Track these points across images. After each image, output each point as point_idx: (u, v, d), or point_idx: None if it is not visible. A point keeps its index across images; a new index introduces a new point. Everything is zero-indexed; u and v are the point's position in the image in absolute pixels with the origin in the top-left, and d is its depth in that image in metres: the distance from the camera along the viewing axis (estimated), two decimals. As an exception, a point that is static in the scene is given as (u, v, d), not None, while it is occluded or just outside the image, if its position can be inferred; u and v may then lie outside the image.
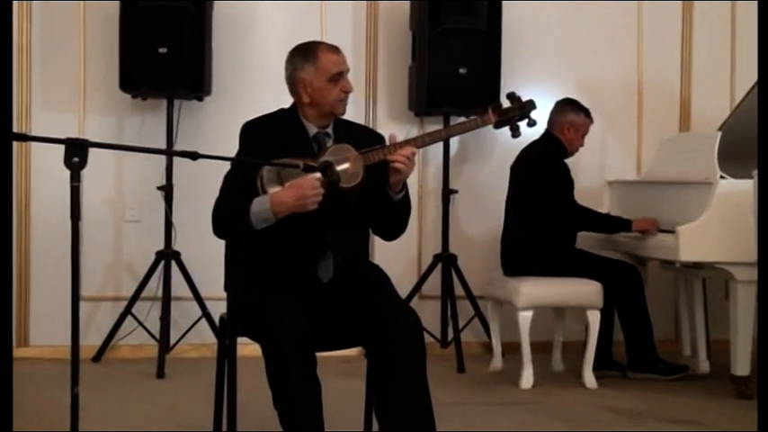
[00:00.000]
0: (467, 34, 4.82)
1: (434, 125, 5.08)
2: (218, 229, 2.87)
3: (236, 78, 5.02)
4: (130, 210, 4.95)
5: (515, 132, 3.03)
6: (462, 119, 4.94)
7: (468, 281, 4.91)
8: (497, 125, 3.01)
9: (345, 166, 2.77)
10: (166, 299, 4.65)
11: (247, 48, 5.05)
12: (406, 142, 2.86)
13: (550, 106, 4.67)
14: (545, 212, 4.42)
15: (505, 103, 3.04)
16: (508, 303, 4.40)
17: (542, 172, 4.44)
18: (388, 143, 2.86)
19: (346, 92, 2.92)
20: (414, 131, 5.08)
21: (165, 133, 4.74)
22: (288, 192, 2.72)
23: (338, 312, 2.78)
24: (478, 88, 4.79)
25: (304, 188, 2.70)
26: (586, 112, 4.60)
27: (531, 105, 3.03)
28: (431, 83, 4.80)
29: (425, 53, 4.81)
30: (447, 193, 5.00)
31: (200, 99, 4.82)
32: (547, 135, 4.60)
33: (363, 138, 2.94)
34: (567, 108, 4.59)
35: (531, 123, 3.05)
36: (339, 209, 2.82)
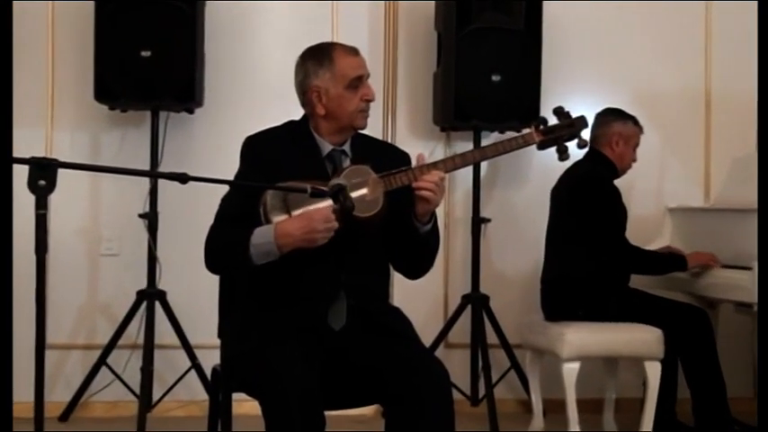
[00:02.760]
0: (501, 35, 4.84)
1: (463, 141, 5.09)
2: (212, 264, 2.88)
3: (233, 87, 5.04)
4: (107, 242, 4.95)
5: (563, 155, 3.04)
6: (495, 134, 5.00)
7: (502, 326, 4.90)
8: (542, 145, 3.02)
9: (363, 191, 2.79)
10: (149, 347, 4.63)
11: (246, 52, 5.08)
12: (434, 165, 2.87)
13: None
14: (592, 245, 4.41)
15: (551, 119, 3.05)
16: (550, 353, 4.39)
17: (588, 196, 4.44)
18: (414, 164, 2.87)
19: (368, 100, 2.93)
20: (439, 149, 5.09)
21: (150, 151, 4.75)
22: (295, 222, 2.74)
23: (352, 364, 2.78)
24: (515, 99, 4.81)
25: (314, 220, 2.71)
26: (634, 120, 4.60)
27: (581, 123, 3.04)
28: (459, 92, 4.81)
29: (453, 57, 4.81)
30: (477, 222, 4.99)
31: (191, 111, 4.82)
32: (592, 153, 4.57)
33: (386, 157, 2.95)
34: (611, 118, 4.59)
35: (582, 144, 3.07)
36: (355, 242, 2.83)
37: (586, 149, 4.52)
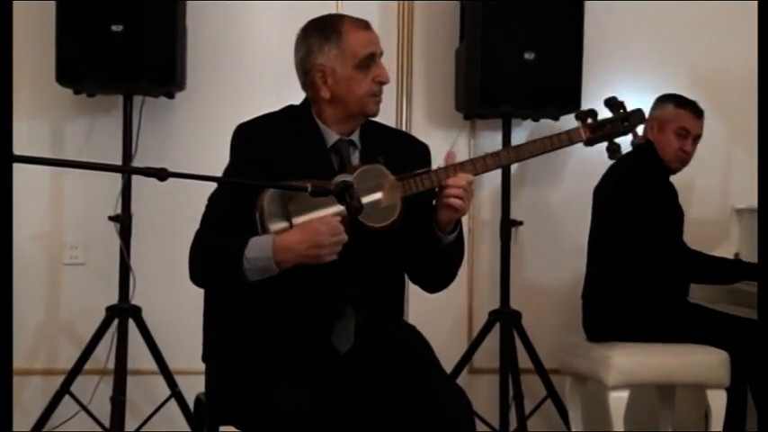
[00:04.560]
0: (536, 5, 4.84)
1: (490, 131, 5.13)
2: (198, 277, 2.89)
3: (220, 67, 5.04)
4: (72, 249, 4.95)
5: (614, 154, 3.05)
6: (528, 123, 4.98)
7: (536, 348, 4.89)
8: (590, 141, 3.02)
9: (377, 196, 2.80)
10: (120, 372, 4.61)
11: (235, 28, 5.08)
12: (462, 166, 2.87)
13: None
14: (642, 251, 4.42)
15: (602, 112, 3.05)
16: (594, 380, 4.40)
17: (636, 193, 4.45)
18: (441, 164, 2.87)
19: (381, 82, 2.94)
20: (462, 140, 5.12)
21: (122, 143, 4.74)
22: (298, 235, 2.74)
23: (359, 392, 2.80)
24: (552, 80, 4.80)
25: (320, 233, 2.71)
26: (679, 101, 4.62)
27: (638, 117, 3.04)
28: (486, 73, 4.81)
29: (479, 31, 4.81)
30: (507, 225, 4.99)
31: (171, 96, 4.82)
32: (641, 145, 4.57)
33: (402, 150, 2.98)
34: (655, 103, 4.65)
35: (638, 144, 3.12)
36: (365, 250, 2.83)
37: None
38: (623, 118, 3.02)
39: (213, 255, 2.83)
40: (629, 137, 3.05)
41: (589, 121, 3.00)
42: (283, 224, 2.75)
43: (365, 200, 2.72)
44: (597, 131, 2.99)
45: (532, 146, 3.00)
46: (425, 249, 2.89)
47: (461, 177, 2.82)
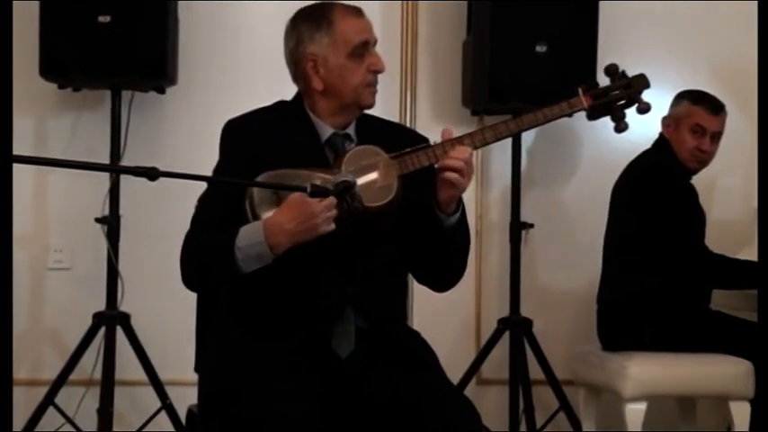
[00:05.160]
0: (548, -4, 4.86)
1: (500, 128, 5.07)
2: (190, 278, 2.88)
3: (213, 61, 5.06)
4: (56, 252, 4.95)
5: (619, 123, 3.02)
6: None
7: (548, 358, 4.89)
8: (593, 113, 3.01)
9: (372, 176, 2.80)
10: (108, 383, 4.62)
11: (230, 20, 5.09)
12: (459, 140, 2.88)
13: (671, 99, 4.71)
14: (660, 254, 4.42)
15: (603, 82, 3.04)
16: (610, 391, 4.41)
17: (655, 192, 4.45)
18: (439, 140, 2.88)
19: (375, 71, 2.94)
20: (469, 137, 5.08)
21: (110, 141, 4.75)
22: (286, 212, 2.72)
23: (360, 401, 2.80)
24: (565, 74, 4.75)
25: (309, 203, 2.69)
26: (695, 97, 4.61)
27: (641, 83, 3.02)
28: (495, 66, 4.82)
29: (487, 23, 4.82)
30: (517, 227, 5.00)
31: (161, 91, 4.83)
32: (660, 142, 4.66)
33: (401, 143, 2.93)
34: (672, 101, 4.65)
35: (643, 108, 3.01)
36: (364, 246, 2.85)
37: (658, 136, 4.54)
38: (625, 84, 3.00)
39: (204, 251, 2.82)
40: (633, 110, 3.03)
41: (590, 90, 3.00)
42: (275, 210, 2.75)
43: (360, 180, 2.74)
44: (598, 99, 2.99)
45: (532, 116, 2.98)
46: (427, 235, 2.88)
47: (460, 150, 2.81)
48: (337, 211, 2.72)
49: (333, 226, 2.71)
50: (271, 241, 2.71)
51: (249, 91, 4.69)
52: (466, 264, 3.00)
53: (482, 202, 5.17)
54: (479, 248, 5.12)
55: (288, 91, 3.03)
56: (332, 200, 2.69)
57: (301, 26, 2.94)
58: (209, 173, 2.87)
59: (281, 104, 3.01)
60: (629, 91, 3.00)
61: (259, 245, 2.71)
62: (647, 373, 4.25)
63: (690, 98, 4.60)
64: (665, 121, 4.58)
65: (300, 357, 2.77)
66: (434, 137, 3.01)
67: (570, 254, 5.17)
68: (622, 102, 3.00)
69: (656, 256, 4.41)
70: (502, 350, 4.94)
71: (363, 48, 2.91)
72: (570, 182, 5.25)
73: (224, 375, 2.81)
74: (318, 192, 2.64)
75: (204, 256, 2.82)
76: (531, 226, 5.05)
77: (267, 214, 2.74)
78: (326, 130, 2.94)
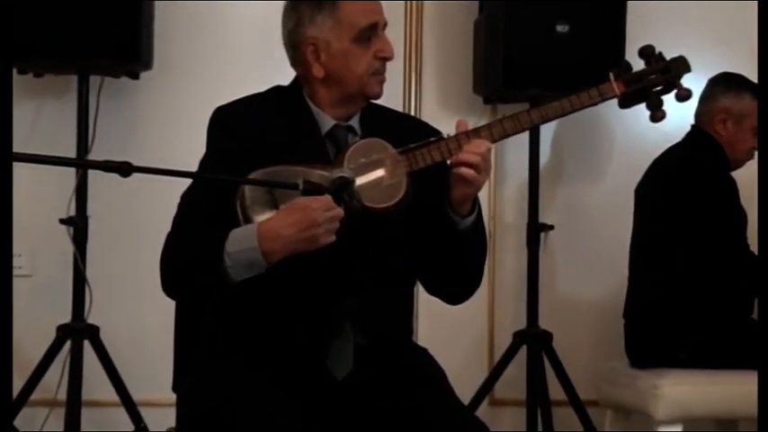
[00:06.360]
0: (569, -29, 4.89)
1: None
2: (171, 284, 2.88)
3: (193, 43, 5.09)
4: (16, 257, 4.92)
5: (656, 112, 3.00)
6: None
7: (570, 376, 4.90)
8: (625, 101, 3.00)
9: (379, 174, 2.81)
10: (74, 403, 4.62)
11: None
12: (476, 132, 2.88)
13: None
14: (696, 259, 4.44)
15: (637, 65, 3.03)
16: (640, 413, 4.46)
17: (688, 190, 4.48)
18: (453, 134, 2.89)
19: (384, 58, 2.94)
20: (482, 126, 5.10)
21: (76, 132, 4.77)
22: (285, 217, 2.72)
23: (359, 426, 2.81)
24: (589, 58, 4.77)
25: (312, 209, 2.68)
26: (756, 92, 4.55)
27: (681, 66, 3.00)
28: (510, 50, 4.84)
29: (501, 1, 4.82)
30: (536, 230, 5.02)
31: (135, 76, 4.85)
32: (694, 133, 4.66)
33: (411, 137, 2.92)
34: (719, 89, 4.64)
35: (684, 95, 3.01)
36: (368, 250, 2.86)
37: (690, 127, 4.52)
38: (663, 68, 3.00)
39: (188, 255, 2.82)
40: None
41: (623, 75, 2.99)
42: (270, 213, 2.75)
43: (365, 179, 2.77)
44: (633, 85, 2.98)
45: (557, 105, 2.98)
46: (440, 239, 2.89)
47: (476, 144, 2.82)
48: (341, 210, 2.73)
49: (333, 238, 2.72)
50: (264, 247, 2.70)
51: (234, 76, 4.73)
52: (483, 272, 3.01)
53: (496, 200, 5.21)
54: (493, 253, 5.11)
55: (280, 77, 3.04)
56: (339, 211, 2.70)
57: (301, 6, 2.93)
58: (187, 167, 2.81)
59: (276, 90, 3.02)
60: (666, 76, 2.99)
61: (251, 251, 2.71)
62: (682, 393, 4.29)
63: (753, 92, 4.54)
64: (717, 114, 4.56)
65: (293, 378, 2.77)
66: (441, 128, 3.02)
67: (595, 259, 5.20)
68: (659, 88, 3.00)
69: (692, 262, 4.42)
70: (518, 367, 4.95)
71: (371, 31, 2.90)
72: (596, 180, 5.29)
73: (205, 396, 2.79)
74: (311, 189, 2.65)
75: (188, 262, 2.81)
76: (551, 228, 5.07)
77: (260, 216, 2.74)
78: (328, 122, 2.94)
